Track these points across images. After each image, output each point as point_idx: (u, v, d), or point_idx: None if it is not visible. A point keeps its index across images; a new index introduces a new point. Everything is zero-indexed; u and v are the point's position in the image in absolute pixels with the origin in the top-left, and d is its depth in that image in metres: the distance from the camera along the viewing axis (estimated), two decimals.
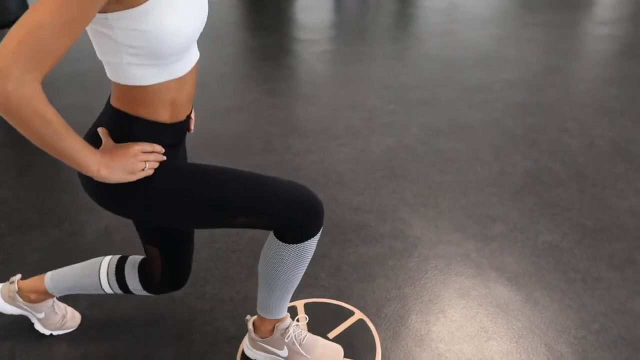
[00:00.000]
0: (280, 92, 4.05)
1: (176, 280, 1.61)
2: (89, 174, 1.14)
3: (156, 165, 1.24)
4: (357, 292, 2.05)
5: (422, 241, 2.34)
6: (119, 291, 1.67)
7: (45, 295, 1.75)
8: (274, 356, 1.65)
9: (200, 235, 2.38)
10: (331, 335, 1.76)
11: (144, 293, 1.66)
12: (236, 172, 1.33)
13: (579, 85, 4.11)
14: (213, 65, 4.61)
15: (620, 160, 2.99)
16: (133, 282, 1.64)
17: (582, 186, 2.74)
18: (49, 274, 1.73)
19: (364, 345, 1.71)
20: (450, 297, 2.03)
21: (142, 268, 1.63)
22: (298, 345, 1.61)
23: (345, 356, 1.68)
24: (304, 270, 1.48)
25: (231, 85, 4.21)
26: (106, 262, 1.67)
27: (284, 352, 1.62)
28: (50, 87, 4.20)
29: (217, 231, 2.41)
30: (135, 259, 1.66)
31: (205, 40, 5.26)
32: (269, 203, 1.31)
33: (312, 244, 1.40)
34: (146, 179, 1.24)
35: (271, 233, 1.42)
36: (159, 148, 1.25)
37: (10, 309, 1.77)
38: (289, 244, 1.38)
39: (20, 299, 1.75)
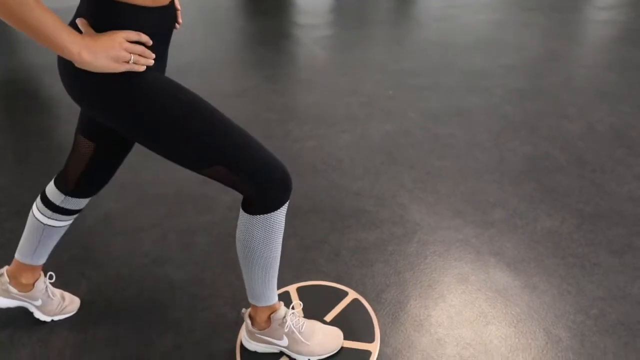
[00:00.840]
0: (279, 78, 4.04)
1: (94, 183, 1.57)
2: (70, 57, 1.09)
3: (143, 61, 1.19)
4: (356, 277, 2.06)
5: (421, 227, 2.35)
6: (56, 215, 1.62)
7: (29, 271, 1.74)
8: (273, 346, 1.65)
9: (199, 221, 2.38)
10: (328, 318, 1.76)
11: (70, 199, 1.60)
12: (231, 123, 1.31)
13: (578, 70, 4.10)
14: (211, 51, 4.58)
15: (620, 145, 2.99)
16: (54, 195, 1.60)
17: (582, 172, 2.74)
18: (16, 251, 1.73)
19: (362, 325, 1.71)
20: (449, 282, 2.04)
21: (57, 178, 1.60)
22: (298, 334, 1.61)
23: (344, 338, 1.68)
24: (279, 249, 1.47)
25: (230, 71, 4.19)
26: (34, 204, 1.65)
27: (284, 342, 1.62)
28: (49, 70, 4.17)
29: (217, 217, 2.41)
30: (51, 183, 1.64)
31: (203, 26, 5.22)
32: (250, 161, 1.30)
33: (279, 216, 1.40)
34: (134, 75, 1.19)
35: (240, 211, 1.41)
36: (145, 38, 1.19)
37: (6, 302, 1.77)
38: (256, 215, 1.37)
39: (14, 289, 1.74)
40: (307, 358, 1.62)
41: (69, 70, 1.21)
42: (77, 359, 1.71)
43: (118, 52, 1.14)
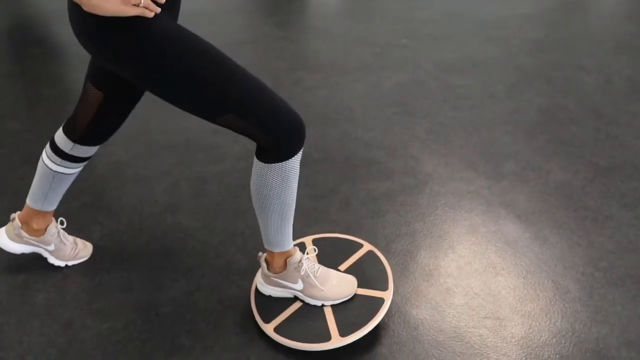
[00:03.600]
0: (290, 26, 3.96)
1: (102, 131, 1.58)
2: (78, 1, 1.08)
3: (152, 7, 1.16)
4: (366, 227, 2.06)
5: (432, 178, 2.34)
6: (65, 162, 1.64)
7: (40, 216, 1.77)
8: (288, 290, 1.67)
9: (210, 170, 2.39)
10: (342, 267, 1.78)
11: (79, 147, 1.61)
12: (244, 71, 1.30)
13: (597, 21, 3.99)
14: None
15: (637, 98, 2.93)
16: (62, 142, 1.62)
17: (597, 124, 2.70)
18: (27, 197, 1.76)
19: (376, 275, 1.73)
20: (459, 233, 2.04)
21: (65, 125, 1.62)
22: (313, 278, 1.63)
23: (358, 286, 1.70)
24: (294, 195, 1.48)
25: (239, 18, 4.11)
26: (44, 151, 1.67)
27: (299, 286, 1.64)
28: (57, 17, 4.12)
29: (228, 167, 2.41)
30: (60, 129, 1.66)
31: None
32: (262, 109, 1.29)
33: (293, 164, 1.40)
34: (144, 22, 1.18)
35: (254, 159, 1.41)
36: None
37: (20, 248, 1.79)
38: (271, 163, 1.38)
39: (26, 234, 1.77)
40: (320, 302, 1.65)
41: (79, 17, 1.19)
42: (91, 303, 1.75)
43: None
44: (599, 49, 3.53)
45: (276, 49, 3.58)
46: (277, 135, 1.33)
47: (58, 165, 1.65)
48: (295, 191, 1.48)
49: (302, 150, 1.40)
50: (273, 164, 1.38)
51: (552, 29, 3.85)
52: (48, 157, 1.65)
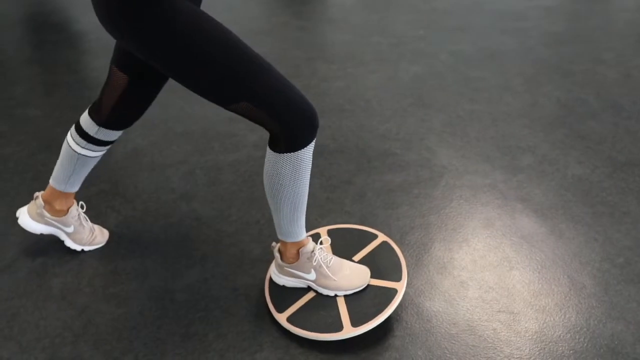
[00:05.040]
0: (307, 15, 3.95)
1: (126, 116, 1.61)
2: None
3: None
4: (381, 219, 2.06)
5: (448, 170, 2.32)
6: (90, 146, 1.68)
7: (63, 197, 1.80)
8: (301, 280, 1.68)
9: (226, 159, 2.39)
10: (356, 258, 1.77)
11: (103, 130, 1.64)
12: (260, 59, 1.31)
13: (617, 14, 3.94)
14: None
15: None
16: (88, 125, 1.65)
17: (616, 119, 2.67)
18: (51, 178, 1.79)
19: (390, 265, 1.72)
20: (474, 226, 2.03)
21: (91, 108, 1.64)
22: (325, 268, 1.63)
23: (372, 277, 1.70)
24: (307, 186, 1.48)
25: (257, 8, 4.11)
26: (69, 133, 1.71)
27: (312, 276, 1.65)
28: (74, 3, 4.14)
29: (244, 155, 2.41)
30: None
31: None
32: (276, 98, 1.30)
33: (305, 154, 1.40)
34: (163, 2, 1.20)
35: (267, 149, 1.42)
36: None
37: (40, 228, 1.82)
38: (283, 153, 1.39)
39: (48, 214, 1.80)
40: (333, 293, 1.65)
41: (101, 0, 1.22)
42: (106, 288, 1.77)
43: None
44: (619, 42, 3.48)
45: (293, 38, 3.58)
46: (290, 125, 1.33)
47: (82, 148, 1.69)
48: (308, 182, 1.48)
49: (314, 141, 1.41)
50: (285, 154, 1.39)
51: (572, 22, 3.80)
52: (73, 139, 1.69)
